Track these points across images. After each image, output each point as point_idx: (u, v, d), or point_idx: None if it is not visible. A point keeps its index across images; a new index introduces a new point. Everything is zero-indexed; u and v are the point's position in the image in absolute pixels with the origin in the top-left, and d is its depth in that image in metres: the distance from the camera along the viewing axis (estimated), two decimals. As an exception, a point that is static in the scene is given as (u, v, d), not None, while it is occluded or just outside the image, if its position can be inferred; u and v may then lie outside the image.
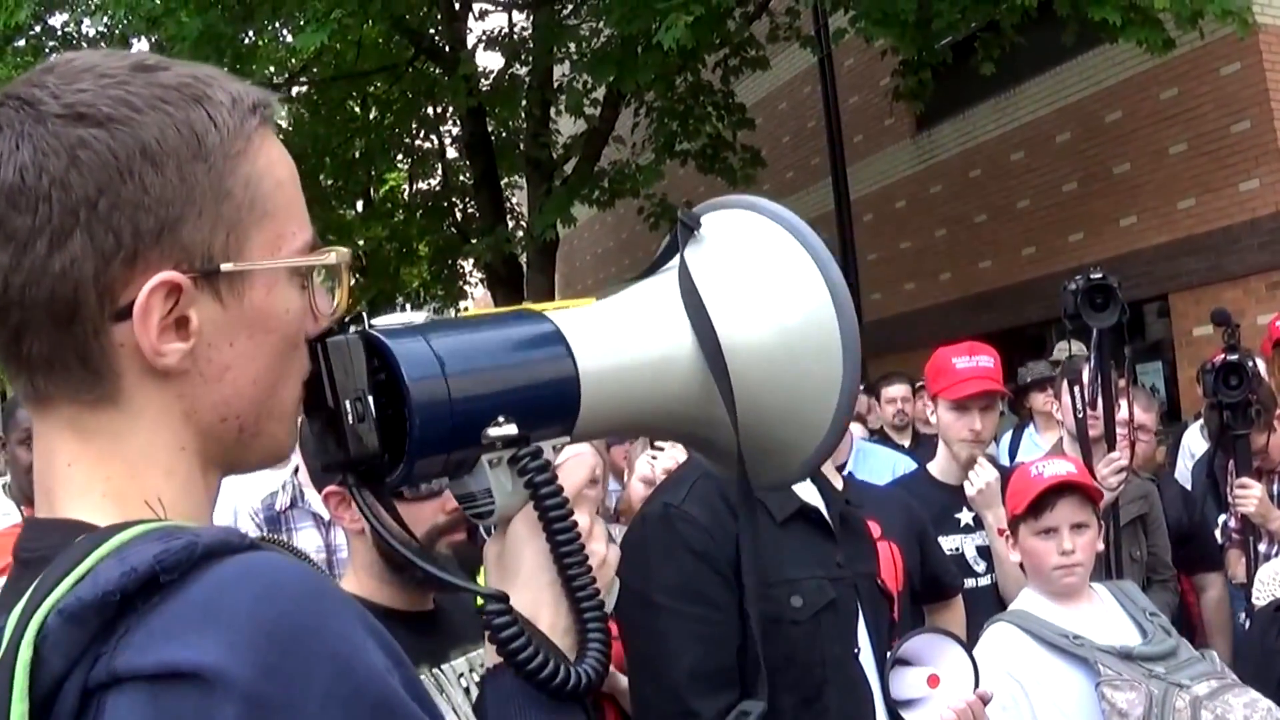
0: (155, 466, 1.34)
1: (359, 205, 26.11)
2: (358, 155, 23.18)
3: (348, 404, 1.52)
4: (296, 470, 5.90)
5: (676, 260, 1.84)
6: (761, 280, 1.82)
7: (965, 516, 5.76)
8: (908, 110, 18.89)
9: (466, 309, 27.81)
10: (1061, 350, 6.92)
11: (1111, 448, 5.93)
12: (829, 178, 21.64)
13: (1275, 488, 6.65)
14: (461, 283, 25.74)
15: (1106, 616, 4.44)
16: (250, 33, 17.83)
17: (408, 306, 28.55)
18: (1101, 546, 4.74)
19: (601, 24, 17.95)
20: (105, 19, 18.32)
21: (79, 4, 18.83)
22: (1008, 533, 4.71)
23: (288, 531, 5.59)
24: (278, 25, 18.28)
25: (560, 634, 1.60)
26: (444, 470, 1.63)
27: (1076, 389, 5.98)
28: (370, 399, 1.53)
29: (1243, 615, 7.24)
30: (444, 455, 1.59)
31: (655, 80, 16.54)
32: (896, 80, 17.31)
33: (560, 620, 1.61)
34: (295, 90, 21.19)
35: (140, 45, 19.39)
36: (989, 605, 5.24)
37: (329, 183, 23.42)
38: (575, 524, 1.63)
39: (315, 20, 12.92)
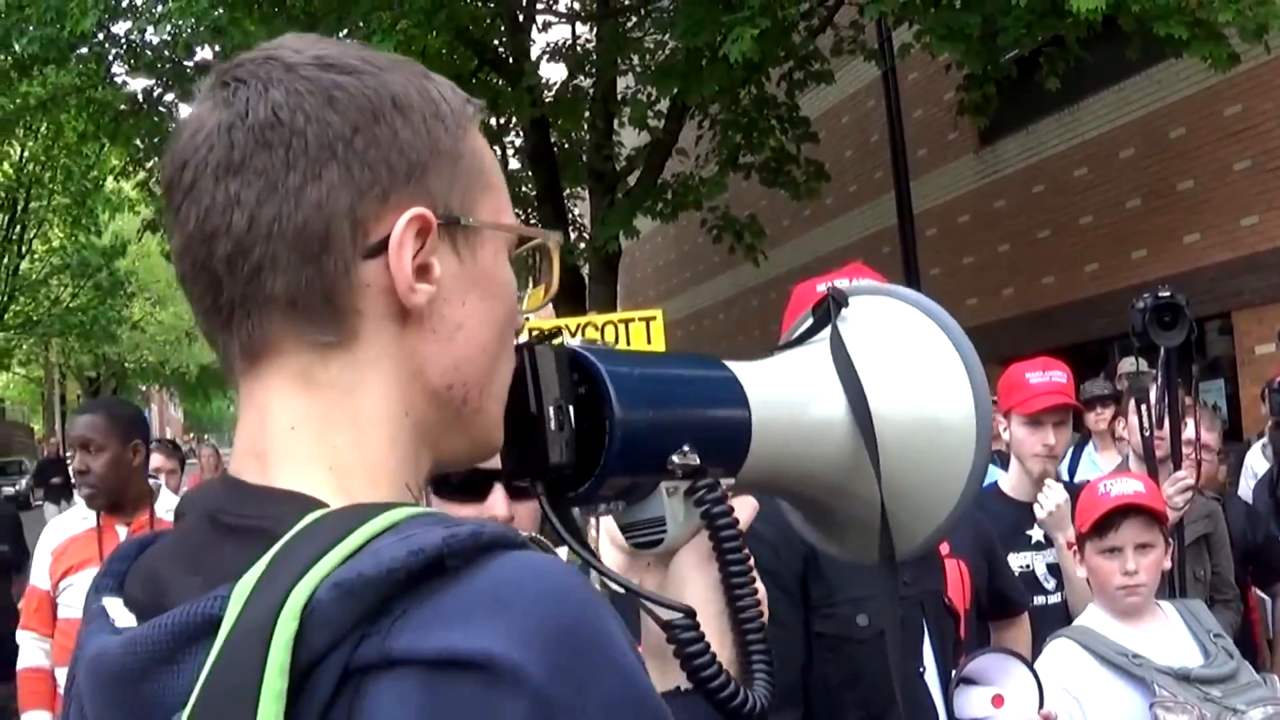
0: (381, 433, 1.31)
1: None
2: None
3: (551, 411, 1.52)
4: None
5: (827, 332, 1.92)
6: (906, 361, 1.92)
7: (1036, 533, 5.73)
8: (971, 125, 18.82)
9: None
10: (1127, 366, 6.89)
11: (1178, 467, 5.90)
12: (892, 192, 21.60)
13: None
14: (523, 293, 25.79)
15: (1170, 636, 4.43)
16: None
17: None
18: (1168, 565, 4.74)
19: (666, 36, 17.99)
20: (169, 28, 18.33)
21: (143, 13, 18.87)
22: (1075, 548, 4.72)
23: None
24: (342, 35, 18.40)
25: (726, 665, 1.58)
26: (622, 493, 1.65)
27: (1144, 408, 5.97)
28: (571, 410, 1.54)
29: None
30: (629, 477, 1.62)
31: (720, 93, 16.58)
32: (960, 95, 17.27)
33: (724, 651, 1.60)
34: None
35: (204, 53, 19.57)
36: (1059, 623, 5.18)
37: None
38: (749, 557, 1.65)
39: (381, 31, 13.00)
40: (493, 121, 23.01)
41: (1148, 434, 5.98)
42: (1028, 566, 5.69)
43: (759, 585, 1.66)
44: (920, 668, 3.58)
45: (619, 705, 1.08)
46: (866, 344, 1.89)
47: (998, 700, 3.74)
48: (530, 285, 1.55)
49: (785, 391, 1.83)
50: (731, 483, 1.69)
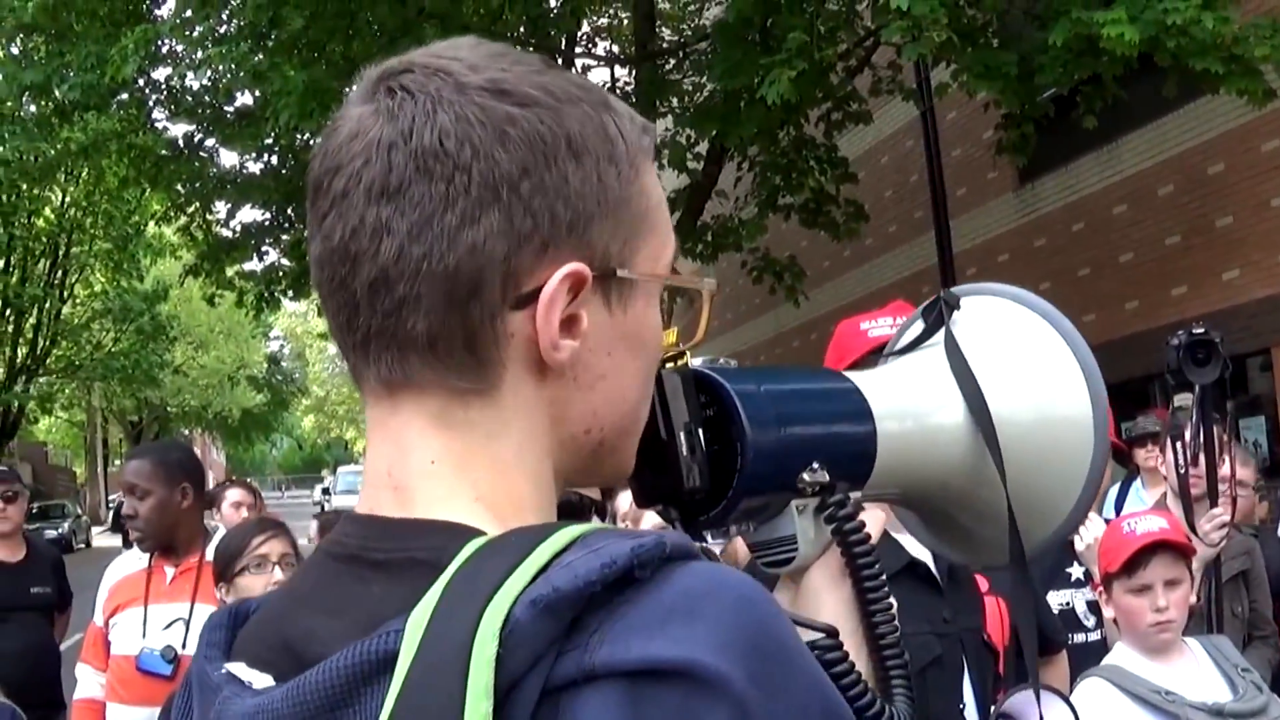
0: (524, 472, 1.27)
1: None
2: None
3: (682, 435, 1.51)
4: None
5: (940, 336, 1.91)
6: (1021, 361, 1.90)
7: (1076, 571, 5.76)
8: (1010, 163, 18.84)
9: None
10: (1181, 402, 6.87)
11: (1214, 504, 5.91)
12: (931, 231, 21.64)
13: None
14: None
15: (1198, 672, 4.45)
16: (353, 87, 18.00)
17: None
18: (1195, 600, 4.77)
19: (704, 79, 18.05)
20: (209, 73, 18.42)
21: (183, 59, 19.02)
22: (1101, 588, 4.74)
23: None
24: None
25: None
26: (754, 513, 1.64)
27: (1179, 444, 5.99)
28: (701, 433, 1.53)
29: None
30: (761, 498, 1.61)
31: (758, 134, 16.61)
32: (999, 134, 17.29)
33: (862, 668, 1.59)
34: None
35: (244, 99, 19.69)
36: (1098, 660, 5.23)
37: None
38: (882, 573, 1.65)
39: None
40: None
41: (1183, 471, 5.98)
42: (1068, 604, 5.72)
43: (892, 600, 1.66)
44: (960, 704, 3.59)
45: (810, 709, 1.08)
46: (980, 346, 1.89)
47: (1038, 734, 3.75)
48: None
49: (905, 400, 1.82)
50: (858, 495, 1.68)
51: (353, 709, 1.08)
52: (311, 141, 18.29)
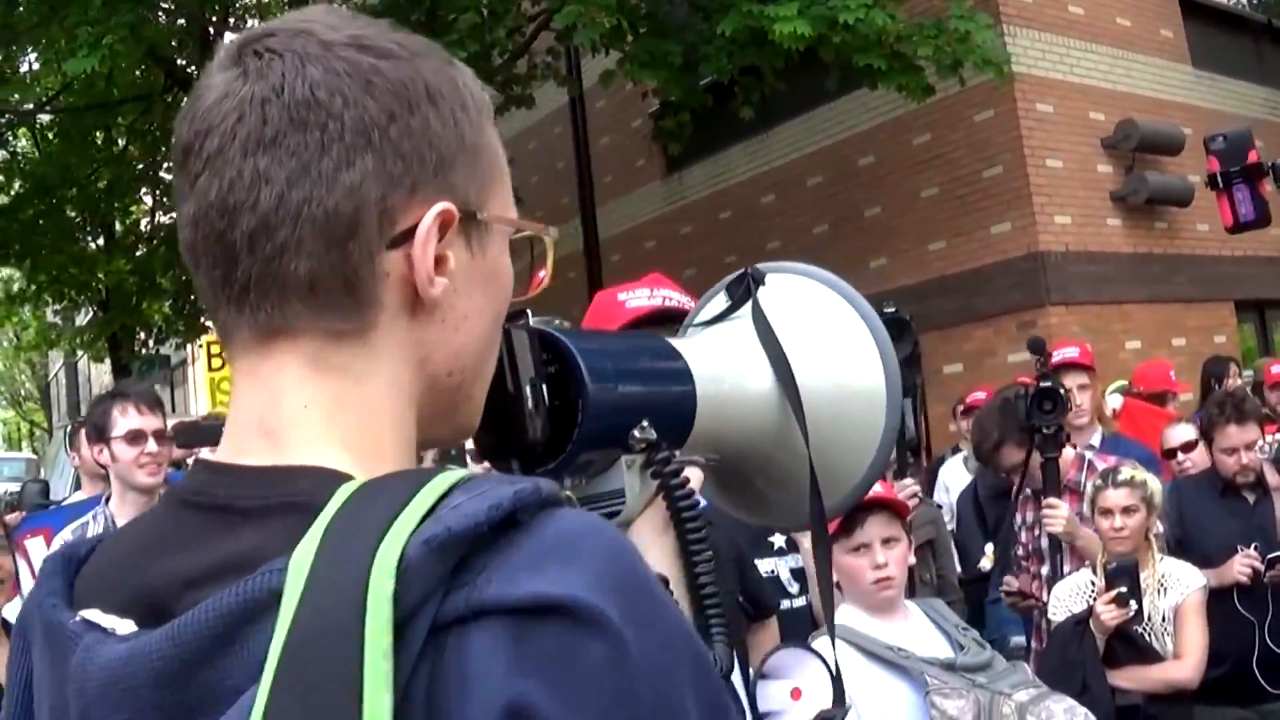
0: (388, 418, 1.32)
1: (102, 239, 25.58)
2: (104, 186, 22.74)
3: (528, 389, 1.57)
4: (108, 500, 5.90)
5: (747, 309, 2.04)
6: (822, 335, 2.05)
7: (778, 539, 5.82)
8: (659, 152, 19.11)
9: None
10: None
11: (903, 475, 6.25)
12: (578, 217, 21.80)
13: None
14: (204, 318, 25.34)
15: (922, 631, 4.57)
16: (3, 58, 17.39)
17: (150, 341, 27.95)
18: (913, 560, 4.93)
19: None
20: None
21: None
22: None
23: None
24: (40, 50, 17.80)
25: None
26: (588, 467, 1.71)
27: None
28: (545, 388, 1.59)
29: (1018, 639, 7.59)
30: (597, 452, 1.69)
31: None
32: (654, 122, 17.47)
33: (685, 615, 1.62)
34: (46, 118, 20.72)
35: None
36: (805, 626, 5.35)
37: (73, 215, 22.96)
38: (705, 524, 1.74)
39: (88, 45, 12.66)
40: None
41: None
42: (772, 572, 5.80)
43: (711, 551, 1.76)
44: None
45: (674, 643, 1.14)
46: (784, 319, 2.00)
47: (795, 693, 3.84)
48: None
49: (719, 366, 1.91)
50: (678, 454, 1.76)
51: (236, 646, 1.11)
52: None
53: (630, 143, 20.48)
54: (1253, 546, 6.94)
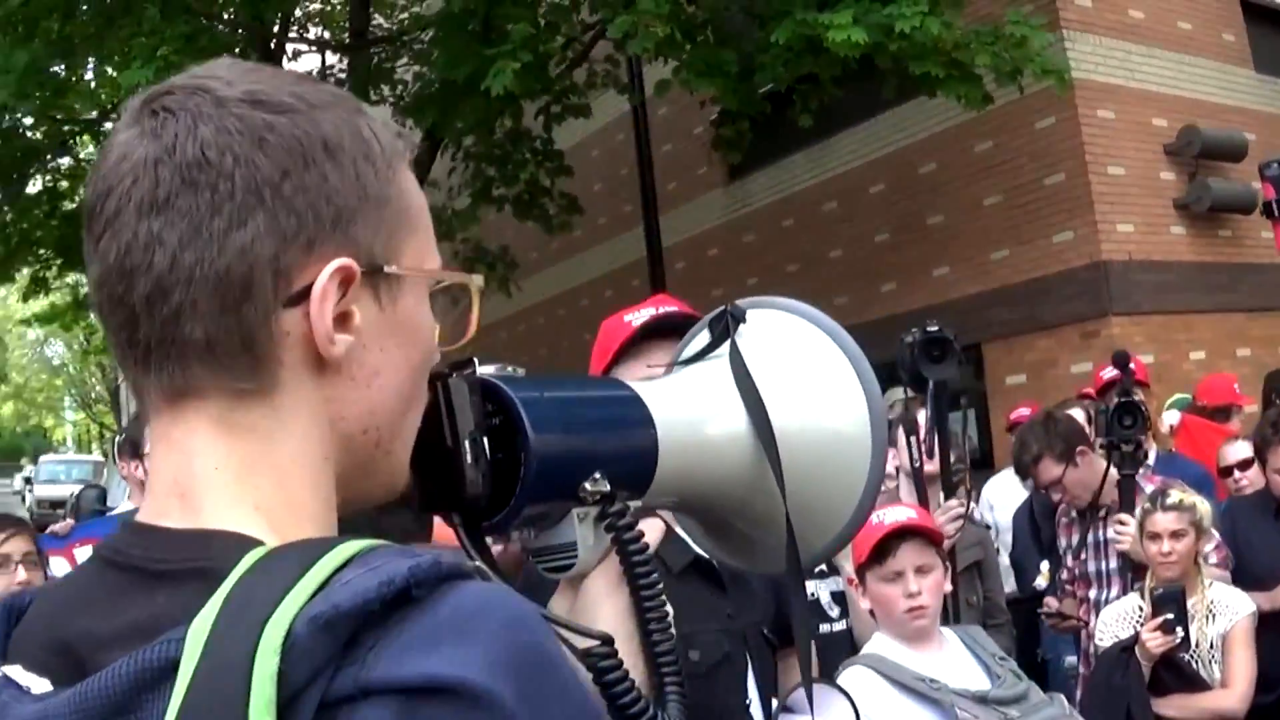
0: (304, 478, 1.30)
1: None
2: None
3: (466, 443, 1.53)
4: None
5: (725, 348, 1.94)
6: (804, 375, 1.95)
7: (819, 562, 5.80)
8: (722, 160, 19.08)
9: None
10: (894, 396, 7.02)
11: (949, 496, 6.06)
12: (641, 225, 21.78)
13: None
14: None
15: (957, 661, 4.50)
16: (65, 67, 17.49)
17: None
18: (949, 587, 4.83)
19: (425, 69, 17.90)
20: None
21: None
22: (855, 582, 4.76)
23: None
24: (98, 60, 17.94)
25: (640, 689, 1.61)
26: (536, 519, 1.66)
27: (913, 439, 6.10)
28: (485, 441, 1.55)
29: (1071, 659, 7.49)
30: (544, 504, 1.63)
31: (475, 125, 16.56)
32: (714, 130, 17.45)
33: (637, 675, 1.62)
34: (110, 126, 20.70)
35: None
36: (843, 650, 5.26)
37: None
38: (659, 581, 1.68)
39: (142, 57, 12.77)
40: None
41: (918, 465, 6.14)
42: (813, 595, 5.72)
43: (669, 608, 1.70)
44: (745, 700, 3.61)
45: None
46: (764, 359, 1.93)
47: (816, 731, 3.76)
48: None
49: (688, 410, 1.85)
50: (639, 504, 1.71)
51: (135, 715, 1.10)
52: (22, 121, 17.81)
53: (692, 150, 20.47)
54: None
